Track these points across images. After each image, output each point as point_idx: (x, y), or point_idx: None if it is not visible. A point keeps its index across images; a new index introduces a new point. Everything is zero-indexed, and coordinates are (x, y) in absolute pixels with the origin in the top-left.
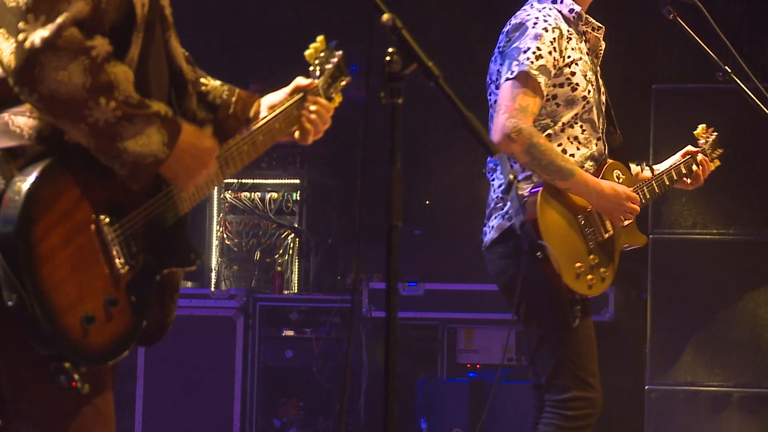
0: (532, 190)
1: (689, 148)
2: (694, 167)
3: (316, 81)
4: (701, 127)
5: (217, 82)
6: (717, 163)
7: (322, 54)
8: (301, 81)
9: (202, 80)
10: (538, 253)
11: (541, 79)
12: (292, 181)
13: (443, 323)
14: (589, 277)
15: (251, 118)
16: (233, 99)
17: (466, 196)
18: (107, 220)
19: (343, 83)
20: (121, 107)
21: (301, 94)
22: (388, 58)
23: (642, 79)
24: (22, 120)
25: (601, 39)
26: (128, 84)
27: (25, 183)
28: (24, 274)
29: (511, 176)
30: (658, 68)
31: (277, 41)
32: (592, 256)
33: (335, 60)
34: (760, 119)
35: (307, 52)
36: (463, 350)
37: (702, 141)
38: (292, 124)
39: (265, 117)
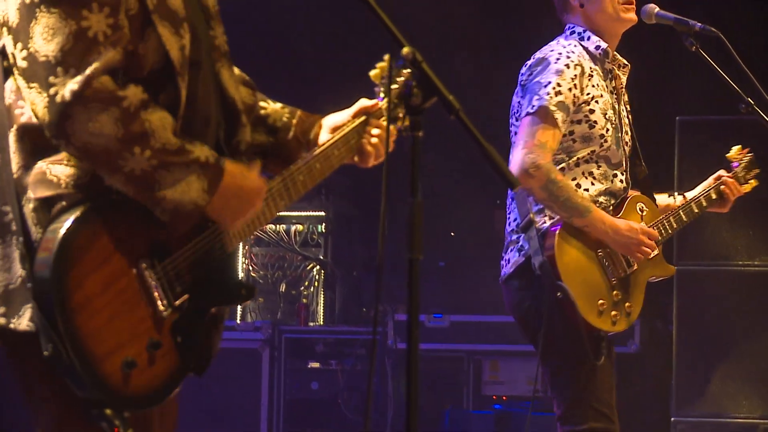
0: (551, 229)
1: (721, 172)
2: (723, 189)
3: (380, 103)
4: (735, 148)
5: (278, 105)
6: (754, 183)
7: (388, 74)
8: (364, 102)
9: (262, 104)
10: (558, 294)
11: (559, 115)
12: (317, 213)
13: (469, 355)
14: (613, 313)
15: (312, 139)
16: (294, 121)
17: (490, 228)
18: (148, 263)
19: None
20: (157, 156)
21: (363, 118)
22: (407, 90)
23: (666, 111)
24: (59, 169)
25: (625, 77)
26: (165, 131)
27: (59, 230)
28: (59, 324)
29: (531, 215)
30: (682, 100)
31: (298, 71)
32: (615, 292)
33: (402, 80)
34: None
35: (372, 72)
36: (489, 382)
37: (735, 163)
38: (353, 150)
39: (324, 144)
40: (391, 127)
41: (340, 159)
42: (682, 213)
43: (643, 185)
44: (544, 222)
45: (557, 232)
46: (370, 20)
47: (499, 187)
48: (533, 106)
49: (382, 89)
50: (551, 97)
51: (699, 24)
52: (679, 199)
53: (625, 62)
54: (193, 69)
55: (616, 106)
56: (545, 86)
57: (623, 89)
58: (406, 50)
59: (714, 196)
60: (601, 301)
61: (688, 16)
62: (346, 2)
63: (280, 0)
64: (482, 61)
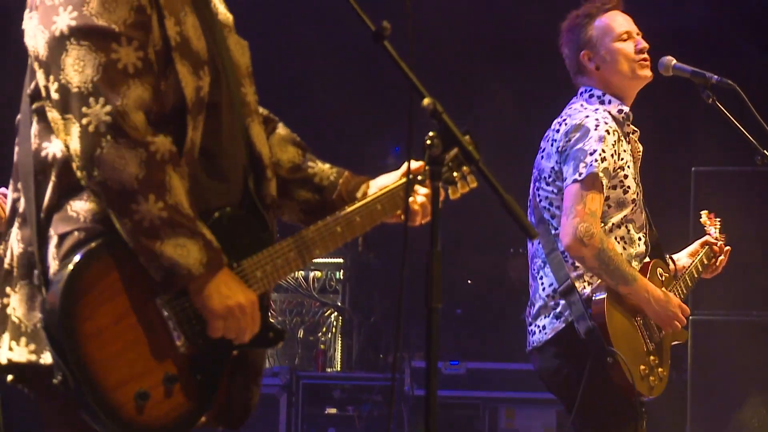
0: (598, 296)
1: (707, 238)
2: (715, 256)
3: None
4: (704, 213)
5: (326, 165)
6: (728, 249)
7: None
8: (413, 163)
9: (310, 163)
10: (608, 359)
11: (605, 182)
12: (335, 260)
13: (485, 402)
14: (651, 378)
15: (358, 199)
16: (340, 181)
17: (505, 277)
18: (165, 298)
19: (465, 169)
20: (168, 210)
21: (409, 177)
22: (428, 142)
23: (682, 162)
24: (79, 204)
25: (637, 141)
26: (182, 195)
27: (71, 262)
28: (67, 353)
29: (573, 280)
30: (698, 150)
31: (320, 121)
32: (652, 357)
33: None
34: None
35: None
36: (505, 429)
37: (712, 230)
38: (397, 207)
39: (367, 198)
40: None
41: (383, 214)
42: (687, 278)
43: (656, 249)
44: (584, 288)
45: (605, 298)
46: (393, 71)
47: (512, 236)
48: (581, 173)
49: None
50: (598, 163)
51: (716, 76)
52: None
53: (635, 128)
54: (211, 111)
55: (635, 172)
56: (591, 153)
57: (639, 153)
58: (426, 101)
59: (706, 261)
60: (643, 367)
61: (703, 68)
62: (369, 54)
63: (304, 51)
64: (499, 111)
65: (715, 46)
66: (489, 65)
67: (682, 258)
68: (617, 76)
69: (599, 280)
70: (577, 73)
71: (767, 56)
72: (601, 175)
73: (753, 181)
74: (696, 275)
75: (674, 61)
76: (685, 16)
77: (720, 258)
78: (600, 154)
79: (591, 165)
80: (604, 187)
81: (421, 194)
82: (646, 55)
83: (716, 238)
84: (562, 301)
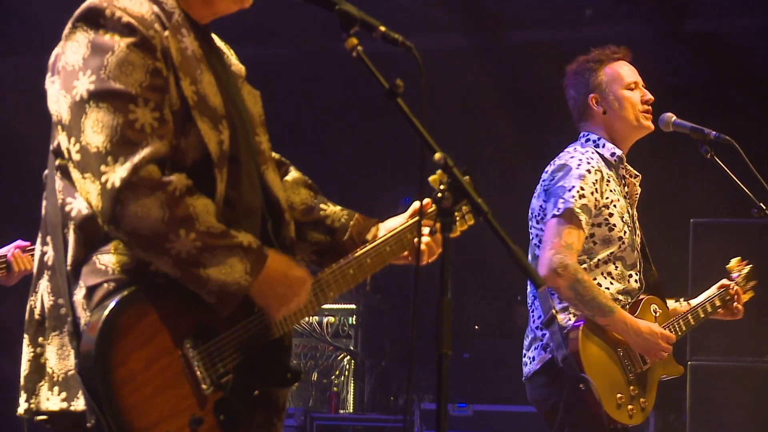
0: (574, 325)
1: (724, 281)
2: (728, 299)
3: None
4: (734, 260)
5: (338, 208)
6: (751, 293)
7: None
8: (417, 204)
9: (322, 206)
10: (581, 386)
11: (583, 217)
12: (348, 306)
13: None
14: (630, 407)
15: (369, 241)
16: (351, 223)
17: (511, 322)
18: (192, 343)
19: (466, 208)
20: (201, 238)
21: (416, 218)
22: (439, 195)
23: (680, 213)
24: (106, 258)
25: (638, 185)
26: (209, 215)
27: (105, 311)
28: (102, 397)
29: (554, 311)
30: (696, 202)
31: (335, 171)
32: (631, 387)
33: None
34: None
35: (431, 177)
36: None
37: (735, 274)
38: (405, 247)
39: (376, 240)
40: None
41: (392, 255)
42: (690, 317)
43: (655, 288)
44: (568, 319)
45: (580, 327)
46: (405, 126)
47: (519, 283)
48: (559, 208)
49: (439, 192)
50: (576, 200)
51: (714, 132)
52: (684, 305)
53: (637, 173)
54: (232, 163)
55: (630, 211)
56: (569, 190)
57: (637, 196)
58: (437, 156)
59: (718, 303)
60: (619, 395)
61: (702, 122)
62: (382, 107)
63: (319, 101)
64: (508, 164)
65: (714, 101)
66: (495, 117)
67: (698, 300)
68: (622, 122)
69: (579, 313)
70: (581, 118)
71: (764, 111)
72: (578, 210)
73: (750, 232)
74: (702, 315)
75: (674, 118)
76: (685, 73)
77: (736, 303)
78: (578, 191)
79: (568, 201)
80: (583, 222)
81: (426, 235)
82: (649, 107)
83: (736, 283)
84: (547, 332)
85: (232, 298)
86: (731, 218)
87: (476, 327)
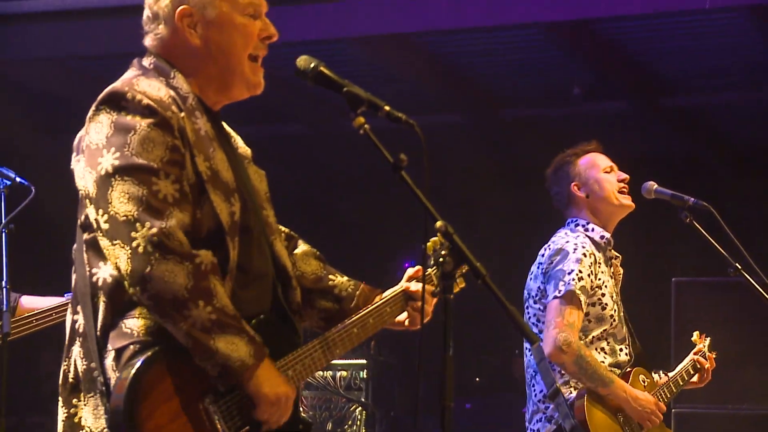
0: (578, 397)
1: (692, 355)
2: (699, 368)
3: (429, 270)
4: (696, 334)
5: (345, 278)
6: (713, 365)
7: (440, 245)
8: (410, 271)
9: (330, 276)
10: None
11: (582, 298)
12: (359, 361)
13: None
14: None
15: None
16: (357, 292)
17: (509, 375)
18: (212, 398)
19: (457, 273)
20: (216, 312)
21: (413, 283)
22: (441, 259)
23: (662, 273)
24: (132, 321)
25: (619, 266)
26: (226, 298)
27: (132, 369)
28: None
29: (557, 385)
30: (678, 262)
31: (344, 239)
32: None
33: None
34: None
35: (428, 243)
36: None
37: (701, 345)
38: (402, 309)
39: (377, 303)
40: (429, 294)
41: (392, 316)
42: (672, 385)
43: (641, 360)
44: (570, 392)
45: (585, 397)
46: (409, 196)
47: (516, 339)
48: (560, 290)
49: (433, 258)
50: (576, 282)
51: (692, 199)
52: (663, 377)
53: (617, 254)
54: (244, 233)
55: (615, 289)
56: (569, 273)
57: (620, 276)
58: (439, 223)
59: (692, 372)
60: None
61: (682, 189)
62: (388, 179)
63: (331, 175)
64: (504, 231)
65: (692, 170)
66: (493, 190)
67: (675, 371)
68: (604, 202)
69: (581, 386)
70: (567, 205)
71: (738, 179)
72: (578, 292)
73: (729, 290)
74: (681, 383)
75: (656, 186)
76: (665, 144)
77: (707, 368)
78: (577, 274)
79: (569, 283)
80: (582, 303)
81: (419, 299)
82: (626, 185)
83: (702, 354)
84: (551, 405)
85: (234, 374)
86: (711, 277)
87: (477, 379)
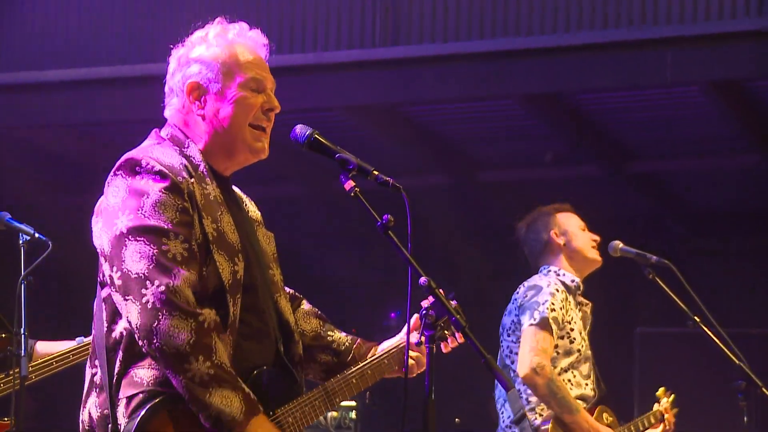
0: (544, 422)
1: (656, 406)
2: (660, 418)
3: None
4: (661, 389)
5: (342, 334)
6: (673, 417)
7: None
8: (412, 321)
9: (329, 332)
10: None
11: (554, 327)
12: (349, 403)
13: None
14: None
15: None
16: (354, 347)
17: (486, 416)
18: None
19: (448, 331)
20: (214, 368)
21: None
22: (424, 312)
23: (626, 324)
24: (142, 372)
25: (589, 312)
26: (225, 355)
27: (137, 418)
28: None
29: (524, 411)
30: (641, 314)
31: (335, 293)
32: None
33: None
34: (726, 358)
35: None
36: None
37: (664, 400)
38: (399, 361)
39: (375, 356)
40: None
41: (388, 367)
42: (633, 428)
43: (605, 400)
44: (536, 418)
45: (550, 423)
46: (395, 254)
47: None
48: (535, 318)
49: (425, 311)
50: (549, 311)
51: (654, 257)
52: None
53: (587, 301)
54: (248, 291)
55: (584, 332)
56: (543, 304)
57: (589, 321)
58: (422, 279)
59: (653, 420)
60: None
61: (645, 248)
62: (377, 240)
63: (324, 230)
64: (482, 285)
65: (654, 231)
66: (472, 246)
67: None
68: (578, 254)
69: (546, 413)
70: (542, 252)
71: (696, 237)
72: (551, 320)
73: (690, 340)
74: (642, 429)
75: (621, 245)
76: (631, 206)
77: (670, 422)
78: (551, 305)
79: (543, 312)
80: (554, 331)
81: (416, 352)
82: (596, 245)
83: (665, 409)
84: (516, 429)
85: (224, 427)
86: (672, 327)
87: (457, 420)
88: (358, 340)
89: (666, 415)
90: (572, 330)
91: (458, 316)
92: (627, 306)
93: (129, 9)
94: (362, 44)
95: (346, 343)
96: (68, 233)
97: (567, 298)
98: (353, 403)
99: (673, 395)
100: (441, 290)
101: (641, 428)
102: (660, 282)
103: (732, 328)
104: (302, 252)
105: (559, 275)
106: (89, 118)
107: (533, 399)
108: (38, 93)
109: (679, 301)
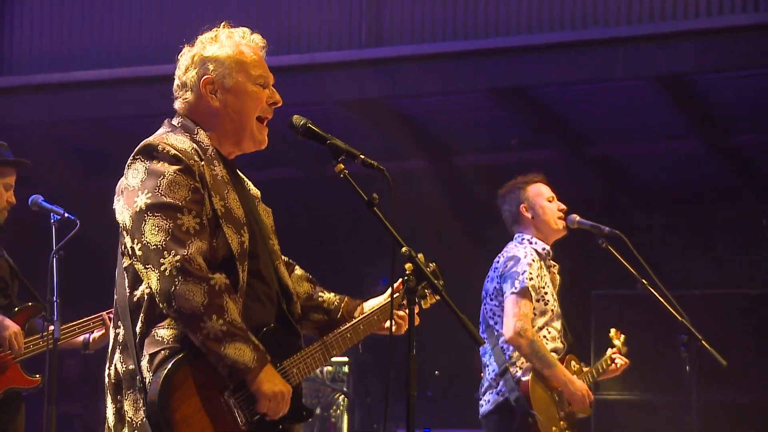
0: (524, 375)
1: (610, 350)
2: (615, 360)
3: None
4: (613, 330)
5: (331, 294)
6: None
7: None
8: (394, 286)
9: (319, 293)
10: (530, 419)
11: (532, 294)
12: (342, 359)
13: None
14: None
15: (357, 316)
16: (342, 305)
17: (465, 368)
18: (230, 392)
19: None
20: (227, 325)
21: (396, 295)
22: (406, 277)
23: (584, 287)
24: (163, 331)
25: (557, 273)
26: (236, 313)
27: (164, 371)
28: None
29: (507, 365)
30: (597, 277)
31: (330, 261)
32: (562, 422)
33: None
34: (670, 315)
35: (406, 265)
36: None
37: (617, 341)
38: (387, 318)
39: (367, 312)
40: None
41: (378, 323)
42: (594, 371)
43: (572, 349)
44: (517, 371)
45: (530, 375)
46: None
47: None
48: (516, 287)
49: (406, 277)
50: (528, 281)
51: (607, 228)
52: (586, 368)
53: (555, 263)
54: (252, 258)
55: (554, 291)
56: (522, 273)
57: (558, 281)
58: (404, 249)
59: (609, 363)
60: (554, 428)
61: (599, 222)
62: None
63: (318, 209)
64: (459, 255)
65: (608, 207)
66: (448, 222)
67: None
68: (545, 225)
69: (526, 366)
70: (514, 222)
71: (644, 212)
72: (530, 288)
73: (641, 301)
74: (596, 374)
75: (578, 218)
76: (586, 185)
77: (618, 364)
78: (529, 275)
79: (523, 281)
80: (532, 297)
81: (402, 311)
82: (563, 214)
83: (617, 350)
84: (501, 381)
85: (239, 374)
86: (624, 290)
87: (436, 372)
88: (346, 299)
89: (617, 356)
90: (546, 294)
91: (435, 281)
92: (585, 271)
93: (139, 24)
94: (350, 46)
95: (335, 303)
96: (94, 213)
97: (541, 266)
98: (346, 359)
99: (623, 336)
100: (420, 255)
101: (600, 370)
102: (612, 250)
103: (675, 290)
104: (303, 230)
105: (532, 243)
106: (111, 113)
107: (514, 355)
108: (65, 91)
109: (629, 267)
